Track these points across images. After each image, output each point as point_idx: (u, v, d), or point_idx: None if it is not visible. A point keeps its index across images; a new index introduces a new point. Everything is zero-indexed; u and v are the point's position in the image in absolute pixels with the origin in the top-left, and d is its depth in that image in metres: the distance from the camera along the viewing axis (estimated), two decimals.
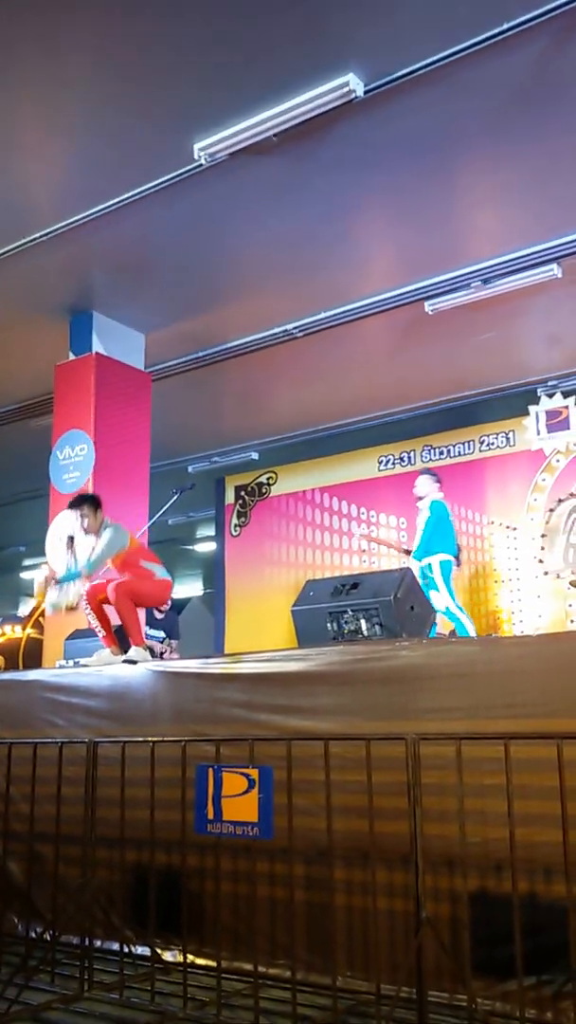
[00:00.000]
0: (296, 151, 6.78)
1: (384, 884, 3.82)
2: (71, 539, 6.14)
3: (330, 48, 5.84)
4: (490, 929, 3.66)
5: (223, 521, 14.19)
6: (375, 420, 12.42)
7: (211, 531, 15.67)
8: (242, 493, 14.01)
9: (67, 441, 9.19)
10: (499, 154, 6.97)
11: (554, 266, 8.30)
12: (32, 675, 6.00)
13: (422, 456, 12.17)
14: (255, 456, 13.70)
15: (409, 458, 12.28)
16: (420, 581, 7.18)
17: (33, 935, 4.86)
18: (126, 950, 4.35)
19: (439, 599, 7.86)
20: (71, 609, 6.14)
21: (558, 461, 11.09)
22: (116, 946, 4.46)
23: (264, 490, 13.77)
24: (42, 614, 9.37)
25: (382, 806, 3.65)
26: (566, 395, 10.90)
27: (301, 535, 13.16)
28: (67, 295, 9.03)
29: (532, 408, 11.02)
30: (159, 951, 4.38)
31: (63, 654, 6.82)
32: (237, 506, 14.02)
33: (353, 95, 6.06)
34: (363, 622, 5.13)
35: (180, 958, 4.18)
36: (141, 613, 6.23)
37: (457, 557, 8.45)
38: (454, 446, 11.96)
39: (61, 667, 6.31)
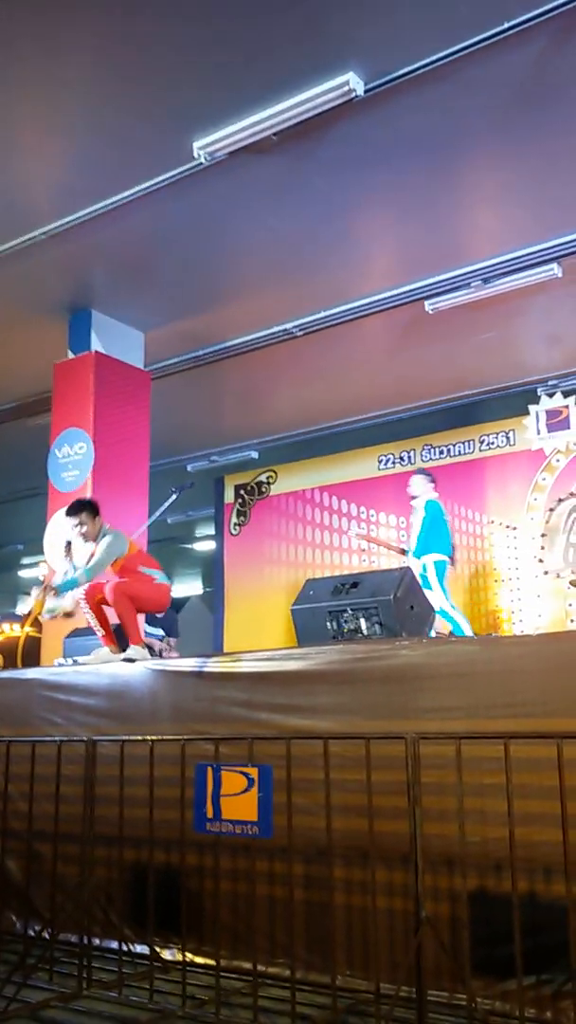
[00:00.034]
0: (296, 150, 6.78)
1: (383, 883, 3.82)
2: (69, 545, 6.09)
3: (330, 47, 5.83)
4: (490, 928, 3.66)
5: (222, 520, 14.19)
6: (375, 419, 12.42)
7: (210, 530, 15.67)
8: (241, 492, 14.01)
9: (66, 439, 9.18)
10: (499, 153, 6.97)
11: (554, 265, 8.29)
12: (31, 673, 5.99)
13: (422, 455, 12.17)
14: (254, 455, 13.70)
15: (409, 457, 12.27)
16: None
17: (32, 933, 4.86)
18: (125, 948, 4.34)
19: (433, 599, 7.87)
20: (67, 615, 6.11)
21: (558, 461, 11.09)
22: (115, 944, 4.45)
23: (264, 489, 13.77)
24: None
25: (382, 805, 3.65)
26: (566, 395, 10.90)
27: (301, 534, 13.16)
28: (66, 293, 9.02)
29: (532, 407, 11.02)
30: (158, 950, 4.37)
31: (62, 653, 6.81)
32: (236, 505, 14.02)
33: (353, 94, 6.06)
34: (363, 621, 5.13)
35: (179, 957, 4.18)
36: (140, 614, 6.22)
37: (451, 557, 8.45)
38: (454, 445, 11.96)
39: (60, 666, 6.31)
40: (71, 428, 9.16)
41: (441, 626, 8.04)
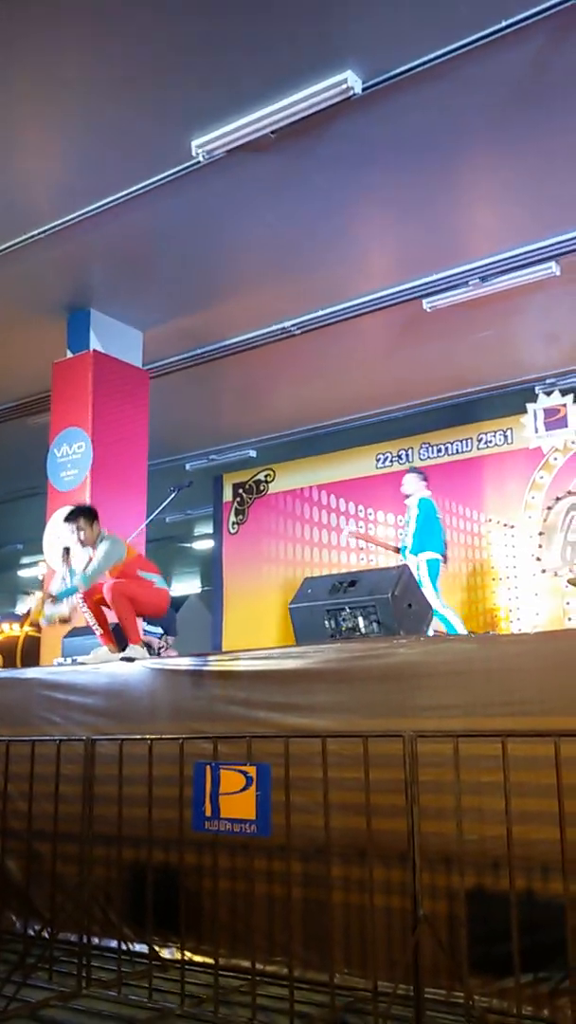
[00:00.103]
0: (294, 148, 6.78)
1: (381, 881, 3.83)
2: (67, 551, 6.06)
3: (328, 45, 5.83)
4: (487, 926, 3.66)
5: (221, 519, 14.19)
6: (373, 418, 12.42)
7: (209, 529, 15.68)
8: (240, 491, 14.01)
9: (65, 439, 9.18)
10: (497, 152, 6.97)
11: (552, 264, 8.30)
12: (30, 673, 6.00)
13: (420, 454, 12.18)
14: (253, 454, 13.70)
15: (407, 456, 12.28)
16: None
17: (31, 933, 4.87)
18: (124, 947, 4.35)
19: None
20: (64, 621, 6.09)
21: (556, 459, 11.10)
22: (114, 943, 4.46)
23: (262, 487, 13.77)
24: None
25: (379, 803, 3.65)
26: (564, 393, 10.92)
27: (299, 533, 13.17)
28: (64, 292, 9.02)
29: (530, 406, 11.05)
30: (157, 948, 4.38)
31: (61, 652, 6.81)
32: (235, 504, 14.02)
33: (351, 92, 6.06)
34: (361, 619, 5.13)
35: (178, 955, 4.19)
36: None
37: (444, 555, 8.46)
38: (452, 444, 11.97)
39: (59, 665, 6.31)
40: (70, 427, 9.16)
41: (435, 625, 8.05)
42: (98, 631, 6.07)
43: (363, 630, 5.11)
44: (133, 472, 9.34)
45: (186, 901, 4.16)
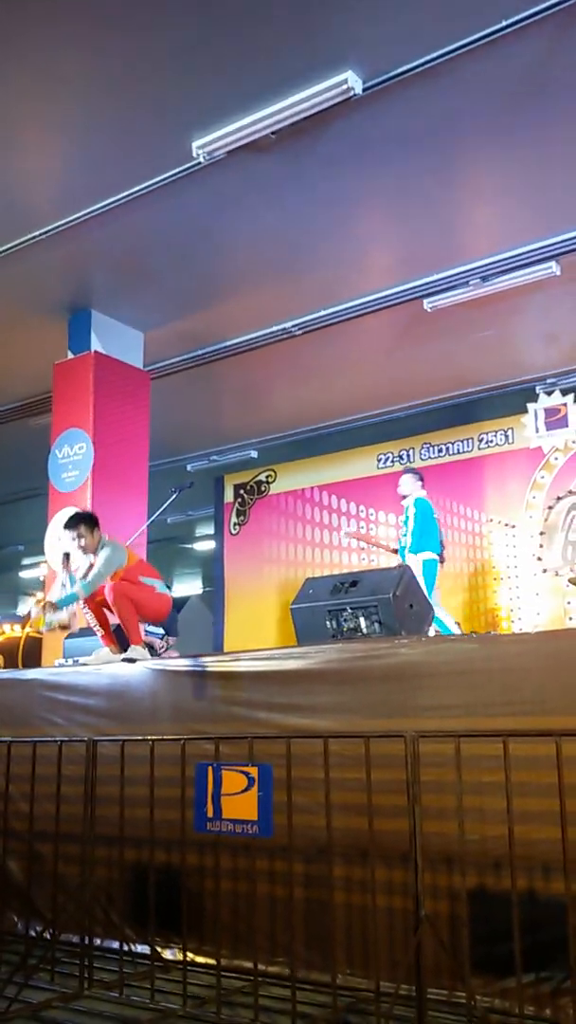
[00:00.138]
0: (294, 149, 6.78)
1: (383, 882, 3.83)
2: (67, 557, 6.02)
3: (329, 46, 5.83)
4: (489, 926, 3.66)
5: (222, 519, 14.20)
6: (374, 418, 12.42)
7: (210, 529, 15.68)
8: (241, 491, 14.01)
9: (66, 440, 9.19)
10: (497, 152, 6.97)
11: (552, 264, 8.30)
12: (31, 674, 5.99)
13: (421, 454, 12.18)
14: (254, 454, 13.71)
15: (408, 456, 12.28)
16: None
17: (33, 934, 4.87)
18: (126, 948, 4.35)
19: None
20: (64, 628, 6.07)
21: (556, 459, 11.10)
22: (116, 944, 4.46)
23: (263, 488, 13.77)
24: None
25: (381, 804, 3.65)
26: (564, 393, 10.92)
27: (300, 533, 13.17)
28: (65, 293, 9.03)
29: (531, 406, 11.04)
30: (159, 949, 4.38)
31: (62, 653, 6.81)
32: (236, 504, 14.02)
33: (352, 92, 6.06)
34: (362, 620, 5.13)
35: (180, 956, 4.18)
36: None
37: (441, 555, 8.46)
38: (453, 444, 11.97)
39: (60, 666, 6.31)
40: (71, 428, 9.17)
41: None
42: (99, 632, 6.07)
43: (364, 630, 5.11)
44: (134, 473, 9.34)
45: (188, 902, 4.16)
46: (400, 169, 7.12)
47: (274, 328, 9.65)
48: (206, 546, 17.77)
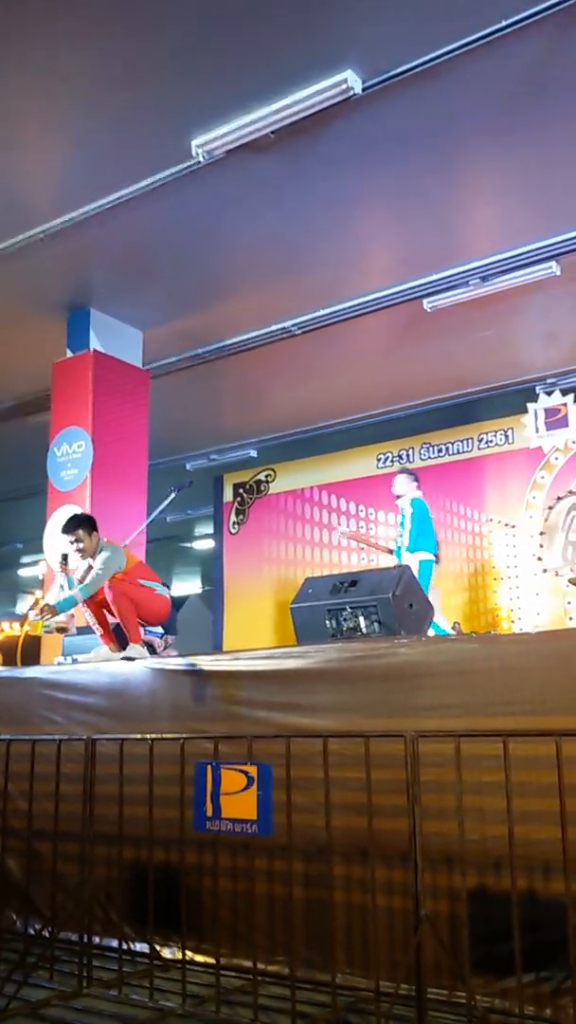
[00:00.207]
0: (294, 148, 6.78)
1: (383, 881, 3.83)
2: (65, 559, 5.99)
3: (328, 45, 5.83)
4: (489, 926, 3.66)
5: (221, 519, 14.20)
6: (374, 418, 12.42)
7: (209, 529, 15.68)
8: (240, 491, 14.01)
9: (65, 438, 9.19)
10: (497, 151, 6.97)
11: (552, 263, 8.30)
12: (30, 672, 5.99)
13: (421, 454, 12.18)
14: (253, 453, 13.70)
15: (408, 456, 12.28)
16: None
17: (32, 932, 4.87)
18: (125, 947, 4.34)
19: None
20: (62, 630, 6.06)
21: (556, 459, 11.11)
22: (115, 943, 4.46)
23: (262, 487, 13.77)
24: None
25: (381, 803, 3.65)
26: (564, 393, 10.93)
27: (300, 532, 13.17)
28: (65, 292, 9.02)
29: (531, 406, 11.05)
30: (158, 948, 4.38)
31: (61, 651, 6.81)
32: (235, 504, 14.02)
33: (351, 92, 6.06)
34: (362, 619, 5.12)
35: (179, 955, 4.18)
36: None
37: (437, 555, 8.46)
38: (453, 444, 11.97)
39: (59, 664, 6.30)
40: (70, 427, 9.16)
41: None
42: (98, 631, 6.06)
43: (364, 630, 5.11)
44: (133, 472, 9.34)
45: (187, 901, 4.15)
46: (400, 169, 7.12)
47: (274, 327, 9.64)
48: (205, 545, 17.78)
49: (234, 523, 13.97)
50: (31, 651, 9.05)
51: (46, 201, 7.50)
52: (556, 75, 6.10)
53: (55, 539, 8.07)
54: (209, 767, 3.85)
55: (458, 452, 11.91)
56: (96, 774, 4.42)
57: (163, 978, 4.14)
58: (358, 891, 3.98)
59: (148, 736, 4.36)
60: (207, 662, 5.03)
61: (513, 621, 11.00)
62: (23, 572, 20.94)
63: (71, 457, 9.06)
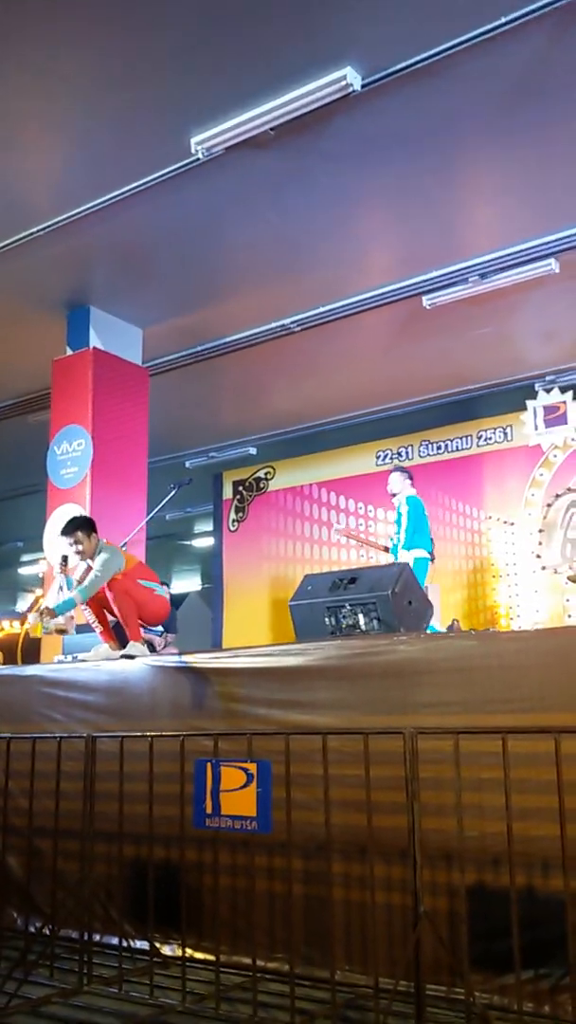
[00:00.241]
0: (293, 145, 6.78)
1: (382, 878, 3.83)
2: (65, 560, 5.99)
3: (328, 42, 5.83)
4: (488, 923, 3.67)
5: (221, 516, 14.20)
6: (373, 415, 12.43)
7: (209, 526, 15.69)
8: (240, 488, 14.01)
9: (65, 436, 9.19)
10: (497, 148, 6.97)
11: (551, 261, 8.30)
12: (30, 670, 6.00)
13: (420, 451, 12.18)
14: (253, 451, 13.71)
15: (407, 453, 12.29)
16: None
17: (32, 929, 4.88)
18: (125, 944, 4.35)
19: None
20: (61, 632, 6.06)
21: (555, 456, 11.11)
22: (115, 940, 4.46)
23: (262, 485, 13.77)
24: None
25: (380, 800, 3.66)
26: (563, 390, 10.93)
27: (299, 530, 13.18)
28: (64, 290, 9.02)
29: (530, 403, 11.06)
30: (158, 945, 4.39)
31: (61, 649, 6.82)
32: (235, 501, 14.03)
33: (351, 89, 6.06)
34: (361, 616, 5.13)
35: (179, 952, 4.19)
36: None
37: (432, 554, 8.47)
38: (452, 441, 11.97)
39: (60, 662, 6.31)
40: (70, 425, 9.17)
41: None
42: (98, 628, 6.06)
43: (363, 627, 5.11)
44: (133, 469, 9.35)
45: (187, 898, 4.16)
46: (399, 165, 7.11)
47: (273, 325, 9.65)
48: (205, 543, 17.78)
49: (233, 520, 13.97)
50: (31, 649, 9.06)
51: (46, 199, 7.50)
52: (556, 71, 6.10)
53: (55, 538, 8.07)
54: (209, 764, 3.86)
55: (457, 449, 11.91)
56: (96, 772, 4.43)
57: (163, 975, 4.15)
58: (357, 888, 3.99)
59: (148, 734, 4.37)
60: (207, 660, 5.04)
61: (512, 618, 11.01)
62: (23, 570, 20.94)
63: (71, 455, 9.07)
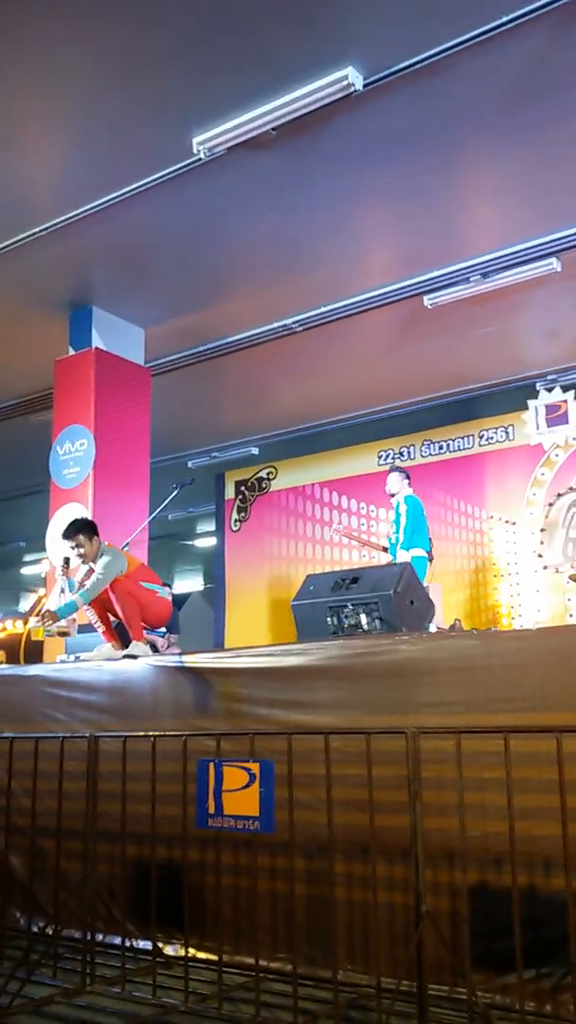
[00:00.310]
0: (295, 145, 6.78)
1: (384, 878, 3.83)
2: (67, 562, 5.99)
3: (329, 41, 5.83)
4: (490, 922, 3.67)
5: (223, 516, 14.21)
6: (375, 415, 12.43)
7: (211, 526, 15.69)
8: (242, 488, 14.02)
9: (67, 436, 9.20)
10: (498, 148, 6.97)
11: (553, 260, 8.30)
12: (33, 670, 6.00)
13: (422, 451, 12.18)
14: (255, 451, 13.71)
15: (409, 453, 12.29)
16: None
17: (35, 929, 4.87)
18: (128, 944, 4.35)
19: None
20: (63, 634, 6.06)
21: (557, 455, 11.10)
22: (118, 940, 4.47)
23: (264, 485, 13.78)
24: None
25: (382, 800, 3.66)
26: (565, 389, 10.93)
27: (301, 530, 13.18)
28: (66, 290, 9.03)
29: (531, 402, 11.06)
30: (160, 945, 4.39)
31: (64, 649, 6.82)
32: (237, 501, 14.03)
33: (352, 89, 6.06)
34: (363, 616, 5.13)
35: (181, 952, 4.20)
36: None
37: (430, 553, 8.48)
38: (453, 440, 11.98)
39: (62, 662, 6.32)
40: (72, 425, 9.18)
41: None
42: (100, 628, 6.07)
43: (365, 627, 5.11)
44: (135, 470, 9.35)
45: (190, 898, 4.16)
46: (401, 165, 7.11)
47: (275, 324, 9.65)
48: (207, 543, 17.79)
49: (236, 520, 13.98)
50: (34, 649, 9.07)
51: (48, 199, 7.51)
52: (557, 70, 6.10)
53: (57, 539, 8.08)
54: (211, 764, 3.86)
55: (459, 449, 11.92)
56: (99, 771, 4.43)
57: (166, 975, 4.16)
58: (359, 888, 3.99)
59: (151, 733, 4.37)
60: (209, 660, 5.04)
61: (514, 618, 11.01)
62: (26, 570, 20.96)
63: (73, 455, 9.08)
